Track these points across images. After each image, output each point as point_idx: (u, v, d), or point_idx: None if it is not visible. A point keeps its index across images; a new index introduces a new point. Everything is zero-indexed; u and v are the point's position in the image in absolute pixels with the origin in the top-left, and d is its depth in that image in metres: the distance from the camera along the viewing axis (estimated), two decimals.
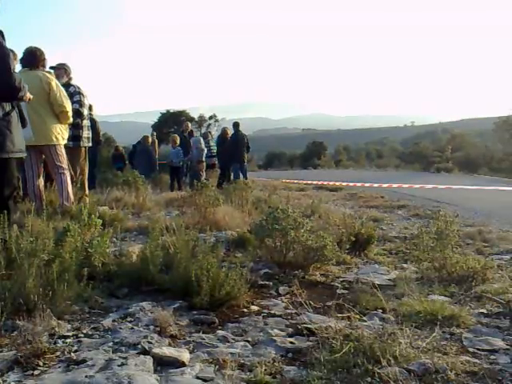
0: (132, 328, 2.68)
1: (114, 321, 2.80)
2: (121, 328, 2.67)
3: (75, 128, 6.83)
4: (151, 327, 2.68)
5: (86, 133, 7.22)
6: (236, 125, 14.30)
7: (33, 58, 5.76)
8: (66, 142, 6.06)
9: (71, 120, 6.08)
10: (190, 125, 17.29)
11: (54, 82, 5.77)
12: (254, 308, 3.11)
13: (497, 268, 4.07)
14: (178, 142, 14.35)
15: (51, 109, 5.75)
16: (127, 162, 16.06)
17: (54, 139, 5.79)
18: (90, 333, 2.62)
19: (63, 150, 5.96)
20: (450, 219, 4.57)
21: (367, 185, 11.23)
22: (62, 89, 5.91)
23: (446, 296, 3.35)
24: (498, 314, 3.05)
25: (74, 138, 6.92)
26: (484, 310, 3.09)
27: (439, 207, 8.34)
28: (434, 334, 2.43)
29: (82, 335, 2.58)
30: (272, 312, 3.04)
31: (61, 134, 5.89)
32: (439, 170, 22.23)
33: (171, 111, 44.85)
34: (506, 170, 15.40)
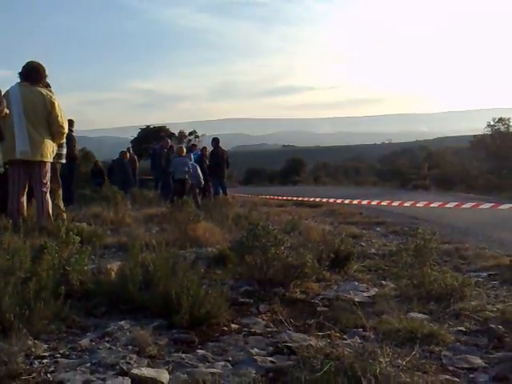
0: (110, 348, 2.63)
1: (91, 340, 2.75)
2: (99, 348, 2.63)
3: None
4: (130, 347, 2.64)
5: (62, 150, 7.22)
6: (216, 140, 14.34)
7: (36, 73, 5.76)
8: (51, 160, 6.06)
9: (64, 140, 6.13)
10: (169, 141, 17.22)
11: (57, 102, 5.78)
12: (235, 326, 3.08)
13: (474, 285, 4.12)
14: (185, 151, 13.56)
15: (48, 126, 5.75)
16: (106, 178, 15.94)
17: (48, 156, 5.79)
18: (67, 353, 2.57)
19: (49, 168, 5.94)
20: (428, 237, 4.63)
21: (346, 201, 11.31)
22: (61, 109, 5.92)
23: (424, 313, 3.38)
24: (476, 331, 3.08)
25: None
26: (463, 328, 3.12)
27: (417, 224, 8.43)
28: (413, 353, 2.44)
29: (59, 355, 2.53)
30: (252, 330, 3.02)
31: (53, 151, 5.91)
32: (416, 187, 22.54)
33: (151, 127, 44.76)
34: (481, 188, 15.68)
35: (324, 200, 13.00)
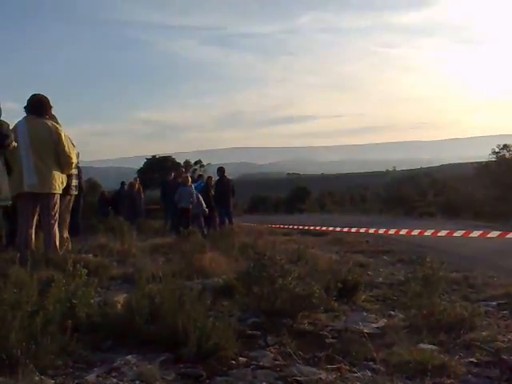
0: (117, 383, 2.60)
1: (98, 376, 2.71)
2: (106, 383, 2.60)
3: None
4: (137, 382, 2.61)
5: (74, 181, 7.25)
6: (221, 170, 14.43)
7: (41, 106, 5.86)
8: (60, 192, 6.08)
9: (73, 171, 6.16)
10: (183, 170, 17.15)
11: (63, 133, 5.85)
12: (243, 359, 3.04)
13: (484, 315, 4.07)
14: (190, 181, 13.56)
15: (56, 158, 5.80)
16: (112, 208, 16.00)
17: (57, 188, 5.82)
18: None
19: (59, 200, 5.97)
20: (437, 265, 4.60)
21: (353, 230, 11.28)
22: (69, 139, 5.98)
23: (435, 344, 3.33)
24: (487, 363, 3.02)
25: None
26: (474, 359, 3.07)
27: (424, 253, 8.37)
28: None
29: None
30: (261, 364, 2.98)
31: (62, 183, 5.92)
32: (422, 214, 22.43)
33: (157, 157, 45.15)
34: (488, 215, 15.61)
35: (330, 228, 12.96)
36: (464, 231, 7.80)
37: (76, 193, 7.39)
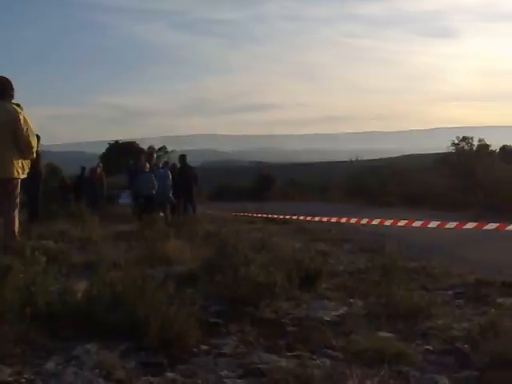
0: (76, 372, 2.58)
1: (57, 364, 2.68)
2: (65, 372, 2.57)
3: None
4: (97, 371, 2.59)
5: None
6: (183, 157, 14.28)
7: (3, 88, 5.63)
8: (25, 176, 5.90)
9: (34, 156, 5.96)
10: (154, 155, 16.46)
11: (23, 117, 5.63)
12: (205, 347, 3.06)
13: (441, 304, 4.20)
14: (148, 167, 13.17)
15: (15, 142, 5.60)
16: (74, 194, 15.68)
17: (16, 173, 5.63)
18: (32, 377, 2.51)
19: (17, 185, 5.79)
20: (395, 255, 4.71)
21: (316, 218, 11.40)
22: (30, 124, 5.78)
23: (393, 332, 3.42)
24: (443, 351, 3.13)
25: None
26: (430, 347, 3.17)
27: (384, 242, 8.55)
28: (382, 373, 2.47)
29: (24, 380, 2.46)
30: (223, 351, 3.00)
31: (22, 168, 5.74)
32: (383, 204, 22.85)
33: (120, 142, 44.41)
34: (447, 205, 16.05)
35: (294, 217, 13.06)
36: (423, 221, 7.99)
37: (24, 176, 7.20)
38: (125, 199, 12.75)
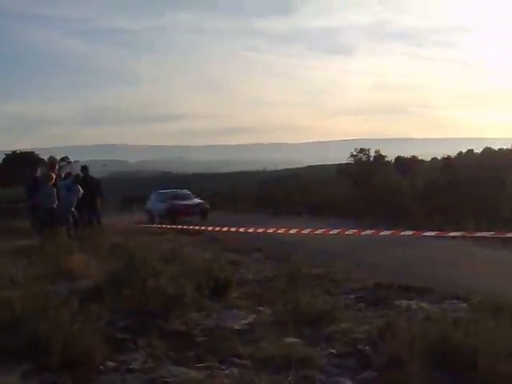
0: None
1: None
2: None
3: None
4: None
5: None
6: (85, 168, 13.76)
7: None
8: None
9: None
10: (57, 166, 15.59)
11: None
12: (112, 364, 2.98)
13: (343, 308, 4.37)
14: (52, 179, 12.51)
15: None
16: None
17: None
18: None
19: None
20: (301, 262, 4.87)
21: (224, 229, 11.46)
22: None
23: (299, 338, 3.52)
24: (346, 353, 3.27)
25: None
26: (334, 351, 3.30)
27: (291, 250, 8.76)
28: (289, 378, 2.54)
29: None
30: (130, 367, 2.94)
31: None
32: (289, 213, 23.38)
33: (17, 152, 41.90)
34: (347, 213, 16.75)
35: (203, 228, 13.04)
36: (325, 229, 8.32)
37: None
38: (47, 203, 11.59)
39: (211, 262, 6.02)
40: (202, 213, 18.57)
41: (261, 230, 10.18)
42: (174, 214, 17.71)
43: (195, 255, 7.54)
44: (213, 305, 4.60)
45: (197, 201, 19.70)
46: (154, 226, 15.26)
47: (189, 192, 21.14)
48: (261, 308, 4.59)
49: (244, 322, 4.05)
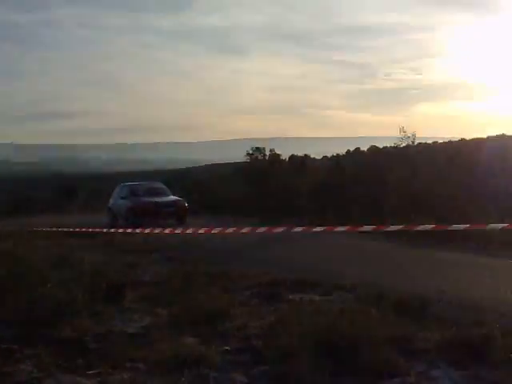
0: None
1: None
2: None
3: None
4: None
5: None
6: None
7: None
8: None
9: None
10: None
11: None
12: None
13: (239, 304, 4.45)
14: None
15: None
16: None
17: None
18: None
19: None
20: (198, 262, 4.89)
21: (120, 230, 11.17)
22: None
23: (195, 337, 3.54)
24: (239, 349, 3.33)
25: None
26: (228, 347, 3.35)
27: (190, 249, 8.76)
28: (183, 379, 2.55)
29: None
30: (16, 379, 2.78)
31: None
32: (190, 213, 23.25)
33: None
34: (244, 212, 16.99)
35: (97, 229, 12.59)
36: (221, 228, 8.43)
37: None
38: None
39: (105, 265, 5.86)
40: (177, 214, 14.69)
41: (158, 231, 10.08)
42: (138, 215, 13.95)
43: (88, 259, 7.28)
44: (107, 309, 4.47)
45: (172, 198, 15.69)
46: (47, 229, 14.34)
47: (163, 185, 16.79)
48: (158, 310, 4.54)
49: (139, 324, 3.99)
